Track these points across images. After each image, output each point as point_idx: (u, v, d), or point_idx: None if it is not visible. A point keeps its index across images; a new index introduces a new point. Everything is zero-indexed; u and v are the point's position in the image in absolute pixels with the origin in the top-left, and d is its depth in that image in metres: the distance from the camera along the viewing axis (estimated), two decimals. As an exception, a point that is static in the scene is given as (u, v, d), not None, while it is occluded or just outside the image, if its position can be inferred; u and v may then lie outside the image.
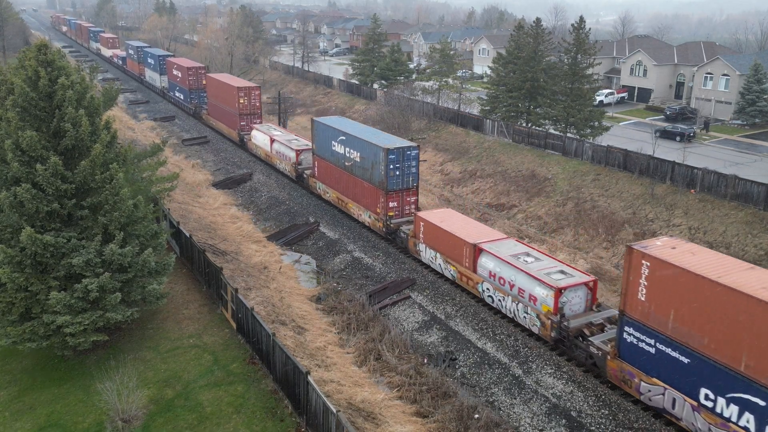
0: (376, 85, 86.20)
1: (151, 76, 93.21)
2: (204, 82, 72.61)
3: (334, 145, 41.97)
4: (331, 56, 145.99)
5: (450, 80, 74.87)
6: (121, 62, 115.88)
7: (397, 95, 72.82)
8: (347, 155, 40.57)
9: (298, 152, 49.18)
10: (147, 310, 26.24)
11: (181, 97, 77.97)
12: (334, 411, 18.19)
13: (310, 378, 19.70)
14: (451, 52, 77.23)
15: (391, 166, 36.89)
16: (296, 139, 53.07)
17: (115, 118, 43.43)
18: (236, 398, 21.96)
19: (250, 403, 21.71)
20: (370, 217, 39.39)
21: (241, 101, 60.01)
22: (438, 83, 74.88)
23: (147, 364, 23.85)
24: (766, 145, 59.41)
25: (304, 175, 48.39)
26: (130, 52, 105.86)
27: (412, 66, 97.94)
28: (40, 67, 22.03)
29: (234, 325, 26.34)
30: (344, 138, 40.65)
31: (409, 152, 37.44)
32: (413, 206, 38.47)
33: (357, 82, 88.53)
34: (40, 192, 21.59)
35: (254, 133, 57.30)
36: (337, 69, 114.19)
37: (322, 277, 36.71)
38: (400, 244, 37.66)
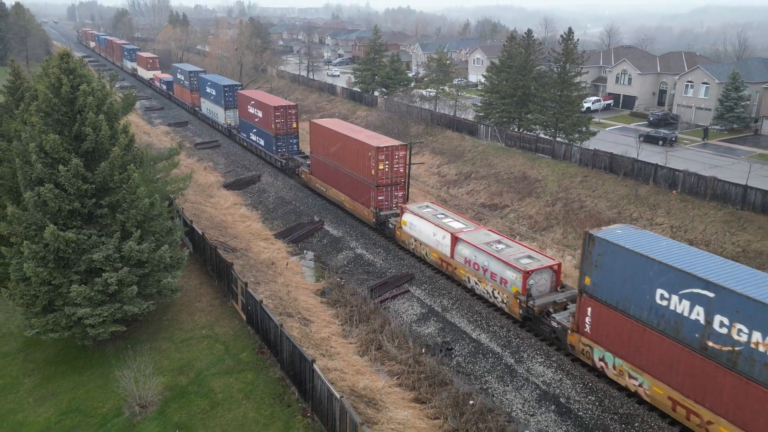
0: (376, 93, 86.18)
1: (212, 109, 72.05)
2: (294, 125, 54.12)
3: (666, 299, 20.49)
4: (335, 65, 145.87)
5: (446, 88, 74.90)
6: (165, 87, 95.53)
7: (397, 102, 72.84)
8: (720, 331, 18.95)
9: (527, 274, 27.07)
10: (162, 302, 26.32)
11: (261, 143, 57.36)
12: (338, 397, 18.26)
13: (315, 366, 19.77)
14: (448, 62, 77.16)
15: None
16: (502, 243, 30.44)
17: (132, 123, 43.55)
18: (246, 385, 22.03)
19: (259, 390, 21.78)
20: None
21: (381, 167, 38.08)
22: (435, 91, 74.93)
23: (162, 353, 23.92)
24: (744, 148, 59.44)
25: (554, 324, 25.87)
26: (180, 76, 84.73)
27: (410, 75, 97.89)
28: (62, 75, 22.11)
29: (244, 317, 26.40)
30: (712, 295, 19.04)
31: None
32: None
33: (359, 90, 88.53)
34: (62, 192, 21.66)
35: (410, 218, 35.52)
36: (340, 77, 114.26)
37: (326, 273, 36.74)
38: None
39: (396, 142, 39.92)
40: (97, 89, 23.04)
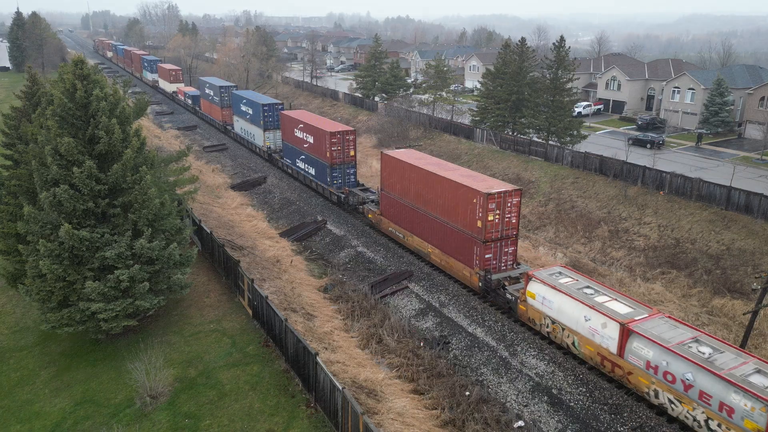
0: (377, 98, 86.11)
1: (247, 129, 62.05)
2: (352, 153, 44.70)
3: None
4: (337, 72, 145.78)
5: (444, 93, 74.86)
6: (190, 101, 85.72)
7: (396, 107, 72.81)
8: None
9: None
10: (172, 298, 26.32)
11: (312, 172, 47.98)
12: (340, 388, 18.26)
13: (318, 359, 19.77)
14: (445, 69, 77.03)
15: None
16: (702, 342, 20.70)
17: (143, 126, 43.57)
18: (252, 377, 22.03)
19: (264, 382, 21.78)
20: None
21: (490, 218, 28.93)
22: (433, 96, 74.89)
23: (172, 347, 23.92)
24: (728, 151, 59.37)
25: None
26: (208, 91, 74.78)
27: (409, 81, 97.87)
28: (77, 81, 22.11)
29: (250, 312, 26.39)
30: None
31: None
32: None
33: (360, 95, 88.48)
34: (76, 192, 21.67)
35: (541, 290, 25.95)
36: (342, 83, 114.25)
37: (329, 270, 36.68)
38: None
39: (509, 186, 29.81)
40: (109, 94, 23.05)
